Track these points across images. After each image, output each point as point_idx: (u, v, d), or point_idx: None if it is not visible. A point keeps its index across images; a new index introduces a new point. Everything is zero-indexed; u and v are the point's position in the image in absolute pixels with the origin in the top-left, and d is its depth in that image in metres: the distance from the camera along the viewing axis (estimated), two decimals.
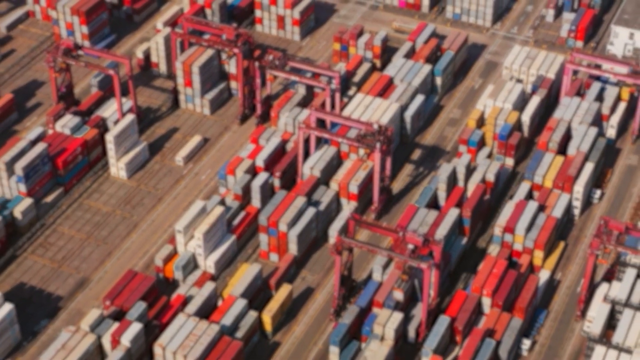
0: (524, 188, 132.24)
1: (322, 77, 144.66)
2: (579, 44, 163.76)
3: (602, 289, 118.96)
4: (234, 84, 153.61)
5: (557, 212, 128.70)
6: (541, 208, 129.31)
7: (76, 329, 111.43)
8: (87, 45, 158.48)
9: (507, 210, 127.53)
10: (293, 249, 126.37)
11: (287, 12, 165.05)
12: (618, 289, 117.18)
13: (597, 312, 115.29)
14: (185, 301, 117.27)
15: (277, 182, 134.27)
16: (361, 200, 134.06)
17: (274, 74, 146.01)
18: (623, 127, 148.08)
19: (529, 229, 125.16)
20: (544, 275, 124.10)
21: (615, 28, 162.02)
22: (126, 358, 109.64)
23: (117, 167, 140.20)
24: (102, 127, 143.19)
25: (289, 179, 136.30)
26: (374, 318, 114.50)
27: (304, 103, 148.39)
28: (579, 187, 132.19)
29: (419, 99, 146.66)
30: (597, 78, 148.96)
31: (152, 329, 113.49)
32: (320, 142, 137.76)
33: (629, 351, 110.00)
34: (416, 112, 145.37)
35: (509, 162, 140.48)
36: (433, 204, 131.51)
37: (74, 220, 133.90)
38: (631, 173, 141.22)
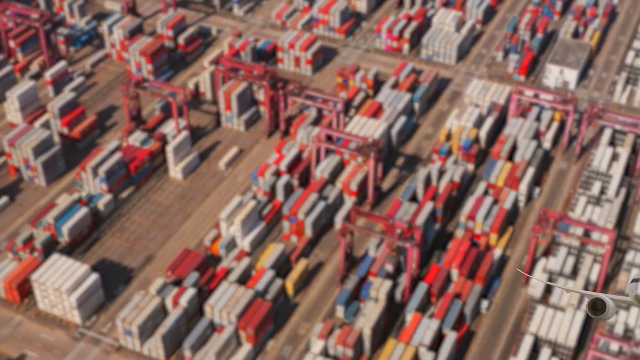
0: (481, 186, 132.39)
1: (330, 102, 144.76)
2: (522, 78, 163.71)
3: (542, 263, 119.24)
4: (262, 108, 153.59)
5: (507, 204, 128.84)
6: (495, 201, 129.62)
7: (145, 292, 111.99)
8: (151, 78, 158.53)
9: (469, 203, 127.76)
10: (308, 232, 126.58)
11: (302, 53, 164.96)
12: (553, 263, 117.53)
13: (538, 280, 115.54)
14: (228, 272, 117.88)
15: (295, 182, 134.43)
16: (359, 196, 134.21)
17: (293, 99, 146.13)
18: (555, 141, 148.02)
19: (486, 217, 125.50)
20: (497, 252, 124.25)
21: (549, 66, 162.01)
22: (184, 315, 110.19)
23: (175, 170, 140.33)
24: (163, 140, 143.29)
25: (305, 180, 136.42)
26: (370, 284, 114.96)
27: (316, 122, 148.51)
28: (523, 186, 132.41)
29: (402, 119, 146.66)
30: (536, 104, 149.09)
31: (203, 293, 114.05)
32: (328, 152, 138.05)
33: (562, 309, 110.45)
34: (400, 129, 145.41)
35: (470, 167, 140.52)
36: (413, 198, 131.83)
37: (143, 211, 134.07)
38: (562, 175, 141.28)
